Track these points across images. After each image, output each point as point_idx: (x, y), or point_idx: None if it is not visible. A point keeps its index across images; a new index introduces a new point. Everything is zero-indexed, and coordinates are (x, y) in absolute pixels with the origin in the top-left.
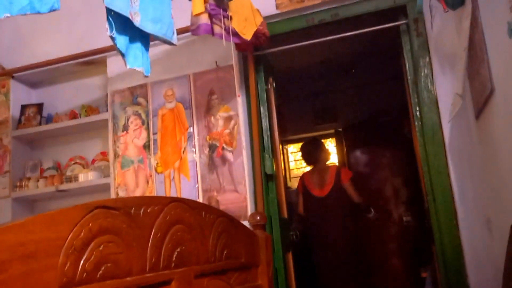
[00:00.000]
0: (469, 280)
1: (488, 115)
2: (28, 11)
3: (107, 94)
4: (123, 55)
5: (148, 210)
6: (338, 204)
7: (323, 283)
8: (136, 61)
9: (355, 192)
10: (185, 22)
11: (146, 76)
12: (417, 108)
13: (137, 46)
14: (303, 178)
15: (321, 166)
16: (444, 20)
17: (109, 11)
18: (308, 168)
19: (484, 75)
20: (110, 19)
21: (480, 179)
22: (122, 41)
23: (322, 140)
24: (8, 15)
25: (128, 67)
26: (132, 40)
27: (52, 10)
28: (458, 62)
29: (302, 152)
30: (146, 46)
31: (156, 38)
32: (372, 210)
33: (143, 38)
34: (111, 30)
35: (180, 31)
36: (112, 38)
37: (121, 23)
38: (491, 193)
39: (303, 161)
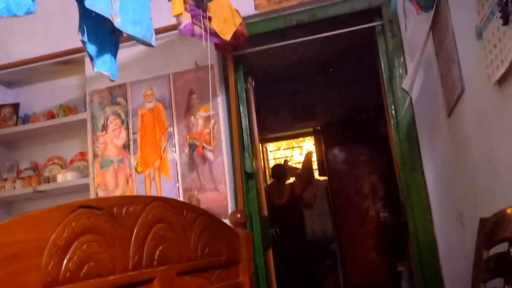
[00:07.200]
0: (443, 272)
1: (459, 113)
2: (5, 14)
3: (85, 94)
4: (91, 58)
5: (130, 210)
6: (294, 208)
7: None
8: (104, 65)
9: (301, 188)
10: (165, 22)
11: (112, 80)
12: (393, 107)
13: (106, 52)
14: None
15: (282, 183)
16: (417, 22)
17: (82, 15)
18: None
19: (455, 75)
20: (83, 23)
21: (452, 175)
22: (92, 45)
23: (301, 138)
24: None
25: (95, 70)
26: (102, 45)
27: (29, 12)
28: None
29: (273, 170)
30: (115, 52)
31: (135, 39)
32: (313, 205)
33: (113, 44)
34: (82, 34)
35: (160, 31)
36: (83, 42)
37: (92, 27)
38: (462, 188)
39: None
